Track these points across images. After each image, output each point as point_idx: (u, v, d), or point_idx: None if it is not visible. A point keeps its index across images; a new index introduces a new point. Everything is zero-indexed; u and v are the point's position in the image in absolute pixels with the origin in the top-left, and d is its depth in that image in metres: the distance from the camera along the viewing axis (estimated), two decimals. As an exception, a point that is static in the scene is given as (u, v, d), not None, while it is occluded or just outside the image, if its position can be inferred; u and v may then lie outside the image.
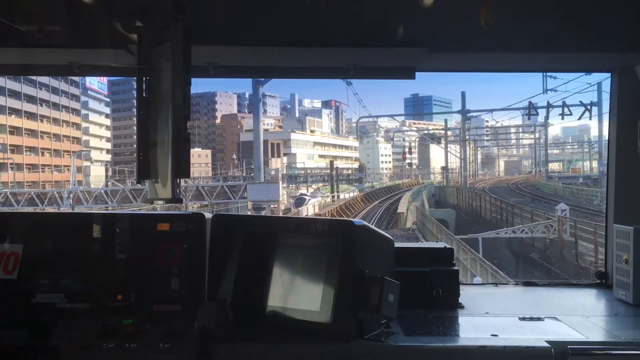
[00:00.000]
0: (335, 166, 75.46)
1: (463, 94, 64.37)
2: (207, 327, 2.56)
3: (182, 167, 2.62)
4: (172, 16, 2.56)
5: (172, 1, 2.56)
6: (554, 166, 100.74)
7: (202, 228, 3.00)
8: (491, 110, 60.51)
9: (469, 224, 42.50)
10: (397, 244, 3.07)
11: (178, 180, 2.65)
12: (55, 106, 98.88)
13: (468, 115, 66.08)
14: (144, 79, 2.74)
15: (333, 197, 65.39)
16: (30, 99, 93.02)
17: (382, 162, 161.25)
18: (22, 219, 3.36)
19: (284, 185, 63.98)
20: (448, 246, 3.46)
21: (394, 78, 3.61)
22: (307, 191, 68.37)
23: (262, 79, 39.37)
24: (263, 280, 2.81)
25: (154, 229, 3.01)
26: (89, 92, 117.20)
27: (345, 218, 4.96)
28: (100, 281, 2.93)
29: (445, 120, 74.97)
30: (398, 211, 40.10)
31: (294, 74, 3.76)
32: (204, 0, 3.03)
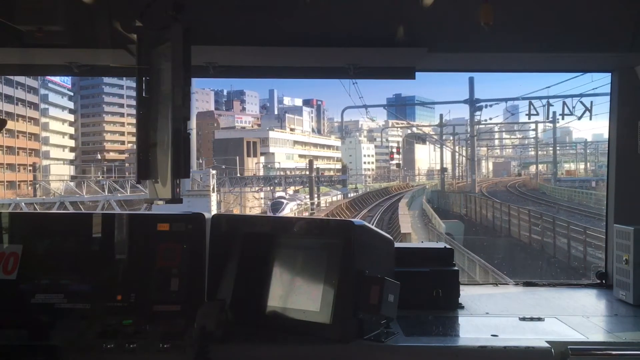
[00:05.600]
0: (315, 166, 69.90)
1: (471, 80, 54.39)
2: (207, 327, 2.70)
3: (181, 167, 2.79)
4: (172, 16, 2.73)
5: (172, 1, 2.72)
6: (539, 168, 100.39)
7: (202, 228, 3.17)
8: (505, 100, 54.49)
9: (480, 239, 36.70)
10: (397, 244, 3.25)
11: (178, 180, 2.82)
12: (9, 99, 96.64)
13: (477, 105, 55.04)
14: (143, 79, 2.92)
15: (312, 203, 57.29)
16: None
17: (364, 162, 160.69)
18: (22, 219, 3.51)
19: (256, 188, 59.55)
20: (448, 246, 3.63)
21: (394, 78, 3.80)
22: (286, 194, 65.74)
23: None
24: (263, 280, 2.96)
25: (154, 229, 3.18)
26: (50, 84, 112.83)
27: (345, 218, 5.16)
28: (100, 281, 3.09)
29: (441, 115, 70.83)
30: (402, 231, 33.23)
31: (294, 74, 3.92)
32: (204, 0, 3.22)
